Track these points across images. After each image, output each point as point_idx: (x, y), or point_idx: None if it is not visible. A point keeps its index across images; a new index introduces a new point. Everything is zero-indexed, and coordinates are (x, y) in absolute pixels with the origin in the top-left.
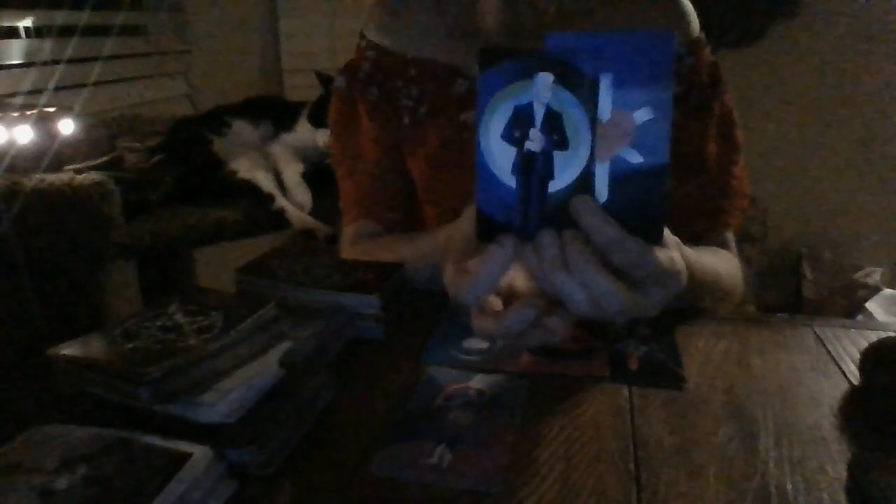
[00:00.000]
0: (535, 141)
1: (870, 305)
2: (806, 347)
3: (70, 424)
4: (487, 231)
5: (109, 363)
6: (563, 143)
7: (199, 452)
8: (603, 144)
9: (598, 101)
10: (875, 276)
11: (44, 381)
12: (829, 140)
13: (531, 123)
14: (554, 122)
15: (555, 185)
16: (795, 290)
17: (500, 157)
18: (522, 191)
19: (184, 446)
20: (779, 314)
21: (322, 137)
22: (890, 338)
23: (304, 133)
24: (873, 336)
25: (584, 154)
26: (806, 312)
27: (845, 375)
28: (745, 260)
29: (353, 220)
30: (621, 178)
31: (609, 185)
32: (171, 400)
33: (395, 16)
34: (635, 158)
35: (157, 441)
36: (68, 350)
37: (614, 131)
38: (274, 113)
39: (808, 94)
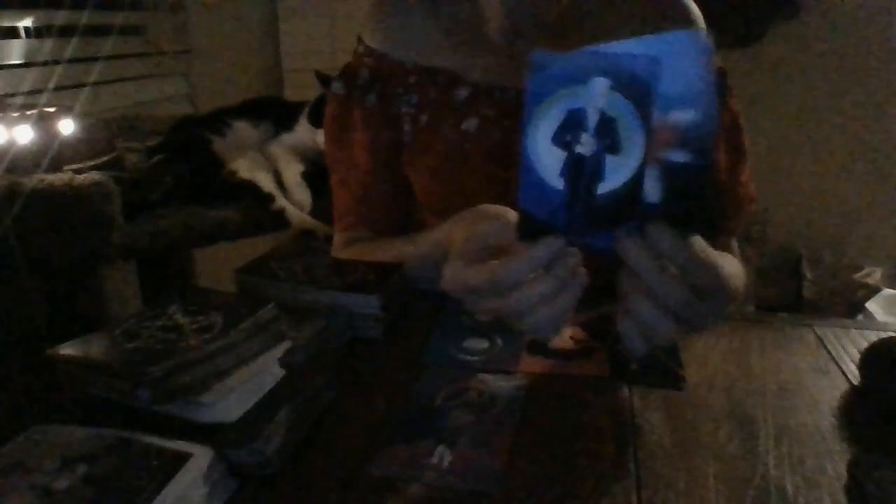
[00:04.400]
0: (586, 145)
1: (870, 305)
2: (806, 347)
3: (70, 424)
4: (530, 231)
5: (109, 363)
6: (615, 148)
7: (199, 452)
8: (650, 147)
9: (653, 106)
10: (875, 276)
11: (44, 381)
12: (830, 140)
13: (583, 128)
14: (608, 127)
15: (602, 187)
16: (795, 290)
17: (548, 160)
18: (570, 193)
19: (184, 446)
20: (779, 314)
21: (322, 137)
22: (890, 338)
23: (304, 133)
24: (873, 336)
25: (635, 158)
26: (806, 312)
27: (845, 375)
28: (745, 260)
29: (345, 227)
30: (670, 178)
31: (658, 185)
32: (171, 400)
33: (393, 20)
34: (681, 158)
35: (157, 441)
36: (68, 350)
37: (660, 133)
38: (274, 113)
39: (807, 95)
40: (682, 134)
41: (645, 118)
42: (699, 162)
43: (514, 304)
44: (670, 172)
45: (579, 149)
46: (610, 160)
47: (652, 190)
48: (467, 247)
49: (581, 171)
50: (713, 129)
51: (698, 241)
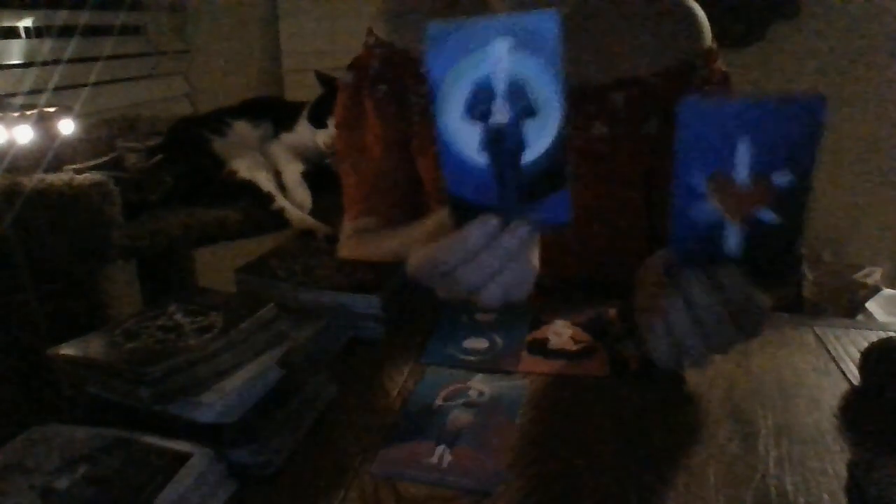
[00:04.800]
0: (500, 113)
1: (870, 305)
2: (806, 347)
3: (70, 424)
4: (463, 215)
5: (109, 363)
6: (531, 111)
7: (199, 452)
8: (738, 204)
9: (560, 59)
10: (875, 276)
11: (44, 381)
12: (829, 140)
13: (493, 95)
14: (518, 91)
15: (528, 156)
16: (795, 290)
17: (465, 136)
18: (495, 167)
19: (184, 446)
20: (779, 314)
21: (322, 137)
22: (890, 338)
23: (304, 133)
24: (873, 336)
25: (554, 118)
26: (806, 312)
27: (845, 375)
28: None
29: (355, 216)
30: (756, 236)
31: (743, 242)
32: (171, 400)
33: (404, 12)
34: (770, 218)
35: (157, 441)
36: (68, 350)
37: (752, 192)
38: (274, 113)
39: None
40: (777, 196)
41: (556, 74)
42: (789, 224)
43: (461, 282)
44: (756, 231)
45: (494, 118)
46: (530, 125)
47: (734, 244)
48: (426, 233)
49: (501, 142)
50: (809, 197)
51: (763, 298)
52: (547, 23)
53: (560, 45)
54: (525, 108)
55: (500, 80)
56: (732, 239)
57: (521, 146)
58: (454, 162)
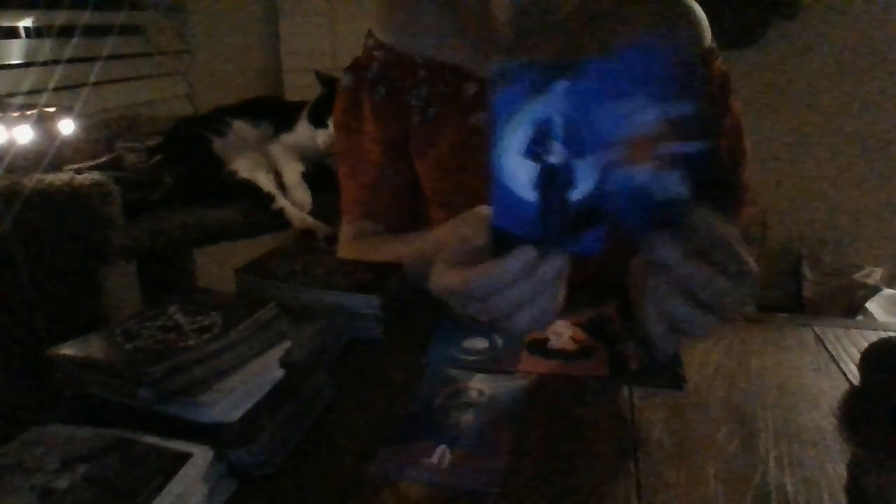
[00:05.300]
0: (556, 154)
1: (870, 305)
2: (806, 347)
3: (70, 424)
4: (504, 247)
5: (109, 363)
6: (583, 153)
7: (199, 452)
8: (653, 152)
9: (618, 103)
10: (875, 276)
11: (44, 381)
12: (829, 140)
13: (552, 137)
14: (575, 132)
15: (574, 194)
16: (795, 290)
17: (519, 174)
18: (544, 204)
19: (184, 446)
20: (779, 314)
21: (322, 137)
22: (890, 338)
23: (304, 133)
24: (873, 336)
25: (601, 158)
26: (806, 312)
27: (845, 375)
28: None
29: (353, 219)
30: (689, 168)
31: (683, 180)
32: (171, 400)
33: (404, 15)
34: (692, 149)
35: (157, 441)
36: (68, 350)
37: (657, 134)
38: (274, 113)
39: (807, 95)
40: (683, 129)
41: (610, 116)
42: (706, 146)
43: (493, 308)
44: (686, 163)
45: (550, 158)
46: (579, 164)
47: (675, 187)
48: (452, 250)
49: (554, 181)
50: (704, 111)
51: (732, 230)
52: (607, 67)
53: (618, 90)
54: (578, 150)
55: (559, 122)
56: (671, 185)
57: (570, 185)
58: (504, 197)
